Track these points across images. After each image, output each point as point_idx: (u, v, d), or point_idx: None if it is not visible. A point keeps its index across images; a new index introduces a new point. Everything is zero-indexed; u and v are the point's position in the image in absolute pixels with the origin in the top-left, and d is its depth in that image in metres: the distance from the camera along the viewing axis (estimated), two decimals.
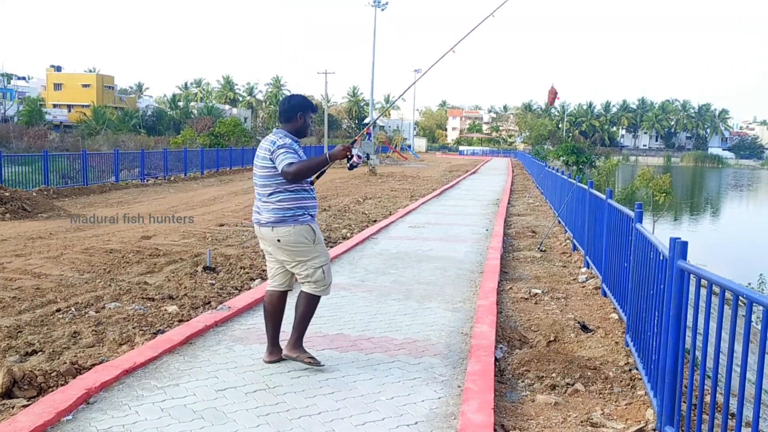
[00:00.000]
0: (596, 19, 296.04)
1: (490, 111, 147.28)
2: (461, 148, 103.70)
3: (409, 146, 79.01)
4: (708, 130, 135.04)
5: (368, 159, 6.14)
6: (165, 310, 6.55)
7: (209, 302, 6.99)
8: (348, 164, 4.91)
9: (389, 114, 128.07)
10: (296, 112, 4.84)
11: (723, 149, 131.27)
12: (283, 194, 4.70)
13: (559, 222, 14.27)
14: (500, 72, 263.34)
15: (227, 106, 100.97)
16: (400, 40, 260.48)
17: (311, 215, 4.82)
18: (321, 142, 65.41)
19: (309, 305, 4.89)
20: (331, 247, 10.90)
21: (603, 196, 7.84)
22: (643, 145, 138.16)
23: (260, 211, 4.78)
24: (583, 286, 8.22)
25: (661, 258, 4.26)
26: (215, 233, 12.22)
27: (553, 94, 8.81)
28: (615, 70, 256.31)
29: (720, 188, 65.35)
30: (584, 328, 6.23)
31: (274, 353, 4.96)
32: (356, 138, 6.08)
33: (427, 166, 48.68)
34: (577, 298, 7.56)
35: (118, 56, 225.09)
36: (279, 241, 4.72)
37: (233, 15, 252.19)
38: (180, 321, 6.20)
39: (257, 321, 6.04)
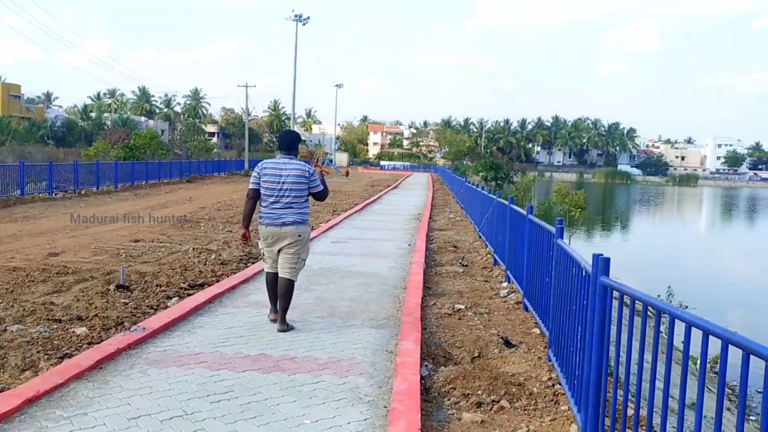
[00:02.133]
0: (511, 39, 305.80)
1: (410, 126, 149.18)
2: (382, 163, 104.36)
3: (331, 161, 78.93)
4: (617, 148, 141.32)
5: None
6: (73, 332, 6.17)
7: (122, 323, 6.65)
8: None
9: (311, 128, 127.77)
10: (296, 144, 6.56)
11: (631, 166, 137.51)
12: (306, 203, 6.41)
13: (480, 237, 14.48)
14: (421, 88, 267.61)
15: (143, 118, 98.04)
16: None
17: None
18: (242, 155, 64.48)
19: (291, 288, 6.42)
20: (253, 263, 10.65)
21: (524, 212, 7.97)
22: (558, 162, 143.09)
23: (287, 215, 6.26)
24: (505, 301, 8.31)
25: (584, 274, 4.31)
26: (129, 249, 11.72)
27: None
28: (530, 88, 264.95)
29: (629, 204, 68.26)
30: (507, 343, 6.27)
31: (277, 311, 6.43)
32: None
33: (349, 180, 48.68)
34: (499, 313, 7.63)
35: (25, 64, 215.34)
36: (300, 236, 6.34)
37: (149, 23, 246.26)
38: (89, 344, 5.86)
39: (174, 342, 5.76)
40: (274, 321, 6.46)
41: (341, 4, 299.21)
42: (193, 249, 11.86)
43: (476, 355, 5.96)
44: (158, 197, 25.53)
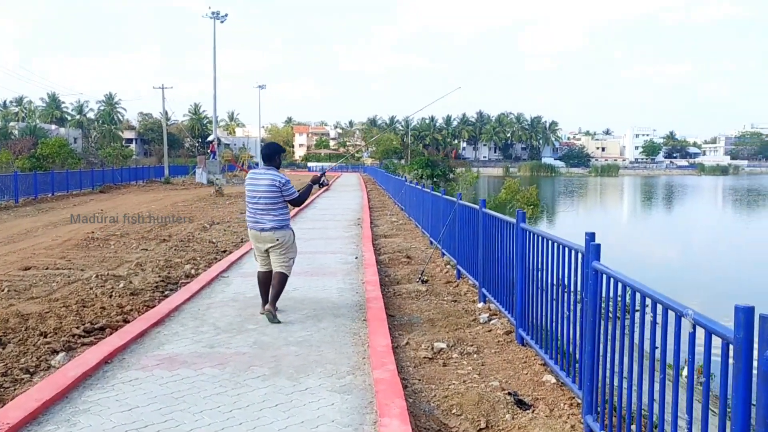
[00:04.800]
0: (434, 40, 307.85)
1: (336, 127, 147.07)
2: (310, 164, 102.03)
3: (257, 164, 76.23)
4: (541, 141, 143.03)
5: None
6: None
7: None
8: (319, 184, 7.73)
9: (234, 131, 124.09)
10: (275, 155, 7.12)
11: (555, 159, 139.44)
12: (282, 209, 6.96)
13: (432, 243, 12.90)
14: (344, 89, 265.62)
15: (54, 126, 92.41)
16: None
17: None
18: (162, 162, 60.99)
19: (283, 281, 7.05)
20: (172, 290, 8.72)
21: (512, 220, 6.35)
22: (484, 157, 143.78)
23: (265, 222, 6.88)
24: (490, 330, 6.68)
25: (692, 330, 2.70)
26: (15, 281, 9.53)
27: None
28: (453, 86, 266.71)
29: (555, 195, 68.36)
30: (520, 402, 4.63)
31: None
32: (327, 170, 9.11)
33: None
34: (490, 351, 5.97)
35: None
36: (278, 240, 6.91)
37: (55, 25, 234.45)
38: None
39: None
40: (263, 314, 6.96)
41: (263, 5, 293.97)
42: (97, 276, 9.77)
43: (483, 425, 4.29)
44: (64, 211, 22.85)
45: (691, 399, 2.66)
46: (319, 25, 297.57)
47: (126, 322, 7.06)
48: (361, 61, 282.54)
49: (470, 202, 9.69)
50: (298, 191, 7.14)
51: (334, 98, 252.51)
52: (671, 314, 2.94)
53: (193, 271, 10.21)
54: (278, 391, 4.73)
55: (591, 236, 4.20)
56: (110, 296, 8.36)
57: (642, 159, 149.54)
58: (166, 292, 8.64)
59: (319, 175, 7.75)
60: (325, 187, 7.61)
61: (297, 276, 9.52)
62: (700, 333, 2.66)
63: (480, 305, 7.83)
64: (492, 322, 6.99)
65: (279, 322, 6.81)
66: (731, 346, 2.36)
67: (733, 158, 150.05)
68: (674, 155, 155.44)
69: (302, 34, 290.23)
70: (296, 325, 6.67)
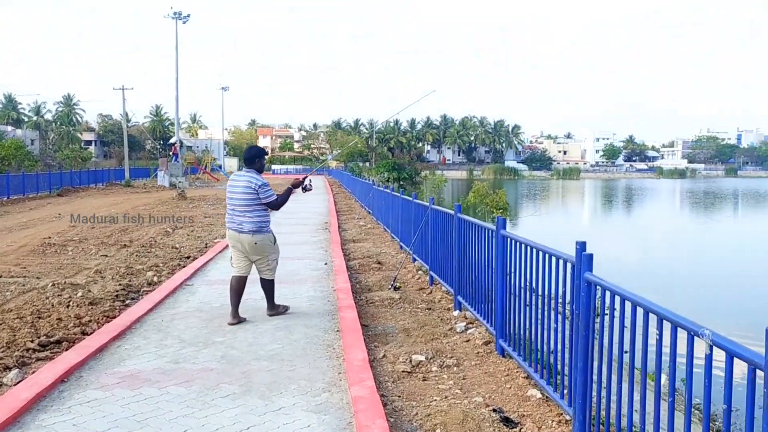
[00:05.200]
0: (398, 43, 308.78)
1: (300, 129, 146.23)
2: (274, 167, 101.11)
3: (220, 166, 75.24)
4: (504, 144, 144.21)
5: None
6: None
7: None
8: (303, 188, 7.57)
9: (197, 133, 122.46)
10: (255, 159, 7.13)
11: (517, 162, 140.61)
12: (259, 212, 6.95)
13: (402, 247, 12.69)
14: (310, 90, 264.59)
15: (10, 127, 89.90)
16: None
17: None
18: (122, 164, 59.73)
19: (271, 286, 7.28)
20: (133, 299, 8.32)
21: (491, 226, 6.15)
22: (448, 160, 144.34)
23: (242, 223, 6.91)
24: (468, 340, 6.45)
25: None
26: None
27: None
28: (420, 89, 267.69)
29: (518, 198, 68.81)
30: (506, 420, 4.40)
31: (236, 317, 6.99)
32: (311, 173, 9.29)
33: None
34: (471, 363, 5.74)
35: None
36: (256, 243, 6.95)
37: (13, 23, 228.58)
38: None
39: None
40: (232, 324, 6.89)
41: (224, 7, 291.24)
42: (53, 285, 9.29)
43: None
44: (20, 215, 22.06)
45: (707, 428, 2.45)
46: (281, 27, 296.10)
47: (84, 334, 6.68)
48: (318, 63, 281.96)
49: (436, 205, 9.48)
50: (278, 195, 7.12)
51: (298, 101, 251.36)
52: (681, 332, 2.74)
53: (155, 279, 9.80)
54: (250, 411, 4.42)
55: (582, 246, 4.00)
56: (67, 306, 7.93)
57: (602, 162, 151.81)
58: (127, 302, 8.25)
59: (301, 178, 7.66)
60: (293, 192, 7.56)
61: None
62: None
63: (456, 313, 7.61)
64: (469, 331, 6.78)
65: (288, 309, 7.46)
66: (759, 372, 2.16)
67: (690, 162, 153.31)
68: (634, 159, 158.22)
69: (264, 36, 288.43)
70: (266, 337, 6.35)
